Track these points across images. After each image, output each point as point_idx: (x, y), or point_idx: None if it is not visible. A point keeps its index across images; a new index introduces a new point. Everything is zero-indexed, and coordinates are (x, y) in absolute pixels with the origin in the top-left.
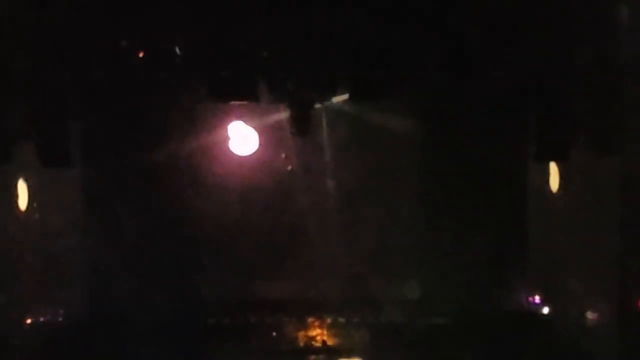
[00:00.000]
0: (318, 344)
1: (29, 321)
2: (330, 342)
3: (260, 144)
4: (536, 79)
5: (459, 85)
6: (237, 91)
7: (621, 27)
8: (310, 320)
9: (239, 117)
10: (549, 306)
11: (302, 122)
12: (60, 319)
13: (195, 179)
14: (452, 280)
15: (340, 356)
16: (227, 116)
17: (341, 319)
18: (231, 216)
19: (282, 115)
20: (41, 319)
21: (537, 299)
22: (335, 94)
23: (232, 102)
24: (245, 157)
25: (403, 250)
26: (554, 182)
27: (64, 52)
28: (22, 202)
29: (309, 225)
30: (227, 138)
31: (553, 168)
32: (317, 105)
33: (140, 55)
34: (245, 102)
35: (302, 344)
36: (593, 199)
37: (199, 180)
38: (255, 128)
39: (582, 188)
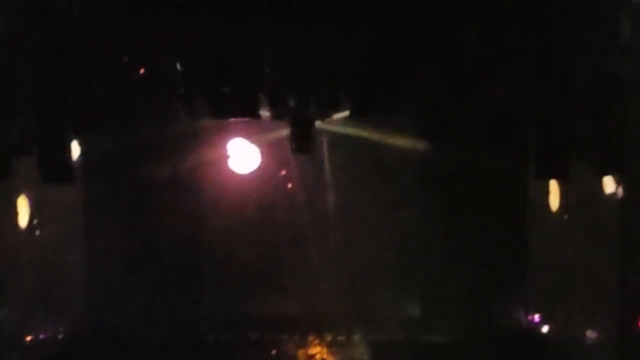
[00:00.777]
0: None
1: (28, 338)
2: None
3: (260, 162)
4: (536, 95)
5: (460, 102)
6: (238, 108)
7: (624, 43)
8: (310, 338)
9: (239, 134)
10: (548, 325)
11: (303, 139)
12: (60, 336)
13: (196, 195)
14: (452, 298)
15: None
16: (228, 133)
17: (341, 337)
18: (231, 233)
19: (282, 132)
20: (41, 336)
21: (536, 317)
22: (336, 111)
23: (232, 119)
24: (245, 174)
25: (403, 267)
26: (554, 200)
27: (64, 67)
28: (23, 218)
29: (309, 242)
30: (227, 155)
31: (553, 185)
32: (318, 123)
33: (141, 71)
34: (245, 119)
35: None
36: (594, 216)
37: (199, 196)
38: (255, 145)
39: (582, 205)
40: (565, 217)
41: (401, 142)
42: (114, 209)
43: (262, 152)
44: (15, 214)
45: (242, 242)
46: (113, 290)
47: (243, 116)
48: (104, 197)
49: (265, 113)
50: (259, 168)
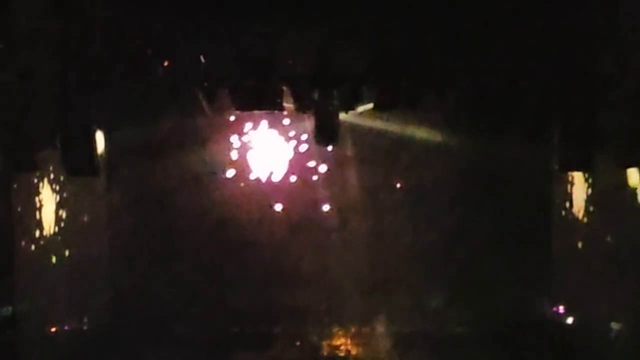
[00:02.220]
0: (342, 354)
1: (53, 329)
2: (354, 352)
3: (280, 156)
4: (560, 88)
5: (484, 94)
6: (262, 100)
7: None
8: (334, 329)
9: (260, 128)
10: (572, 316)
11: (327, 132)
12: (84, 328)
13: (220, 187)
14: (476, 289)
15: None
16: (249, 127)
17: (365, 329)
18: (256, 226)
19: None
20: (65, 328)
21: (561, 309)
22: (359, 102)
23: (257, 111)
24: (265, 169)
25: (428, 259)
26: (579, 191)
27: (89, 61)
28: (48, 210)
29: (333, 235)
30: (248, 149)
31: (578, 177)
32: (342, 114)
33: (165, 64)
34: (269, 111)
35: (326, 354)
36: (618, 208)
37: (223, 188)
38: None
39: (607, 197)
40: (590, 208)
41: (425, 134)
42: (138, 203)
43: (287, 147)
44: (40, 206)
45: (266, 234)
46: (137, 283)
47: (267, 109)
48: (128, 190)
49: (289, 105)
50: (279, 161)
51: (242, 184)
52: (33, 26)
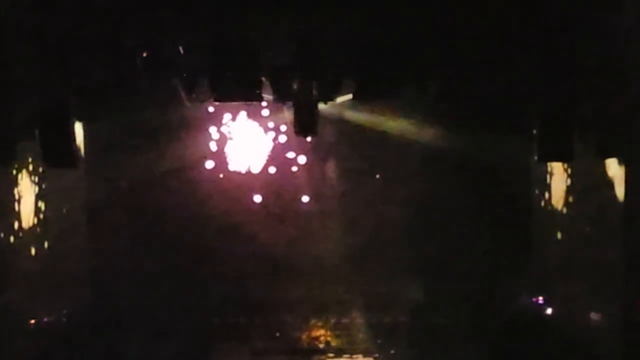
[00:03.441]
0: (322, 345)
1: (32, 322)
2: (334, 343)
3: (265, 147)
4: (540, 78)
5: (462, 85)
6: (241, 91)
7: (625, 28)
8: (314, 320)
9: (242, 119)
10: (552, 307)
11: (306, 123)
12: (64, 320)
13: (200, 181)
14: (456, 280)
15: (344, 357)
16: (231, 118)
17: (345, 320)
18: (236, 217)
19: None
20: (45, 320)
21: (540, 299)
22: (339, 93)
23: (236, 102)
24: (249, 159)
25: (407, 249)
26: (558, 182)
27: (67, 51)
28: (27, 201)
29: (314, 226)
30: (232, 140)
31: (557, 168)
32: (322, 105)
33: (144, 55)
34: (248, 102)
35: (306, 345)
36: (597, 200)
37: (204, 181)
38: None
39: (586, 187)
40: (570, 199)
41: (404, 125)
42: (119, 193)
43: (266, 138)
44: (19, 197)
45: (246, 225)
46: (118, 273)
47: (246, 99)
48: (108, 180)
49: (268, 96)
50: (263, 153)
51: (221, 175)
52: (9, 13)
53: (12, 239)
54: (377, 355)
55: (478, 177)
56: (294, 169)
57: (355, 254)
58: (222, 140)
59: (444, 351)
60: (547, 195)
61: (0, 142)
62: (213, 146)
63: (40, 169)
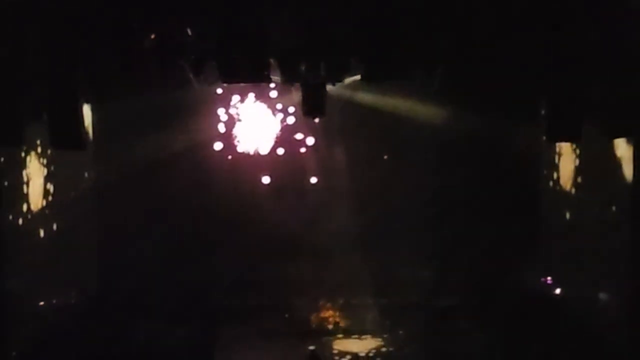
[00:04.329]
0: (331, 326)
1: (41, 303)
2: (342, 324)
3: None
4: (549, 59)
5: (471, 66)
6: (249, 72)
7: (636, 9)
8: (322, 302)
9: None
10: (560, 287)
11: (315, 104)
12: (72, 301)
13: (209, 163)
14: (465, 260)
15: (353, 337)
16: (240, 99)
17: (354, 301)
18: (246, 199)
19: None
20: (54, 301)
21: (549, 279)
22: (347, 74)
23: (244, 84)
24: (257, 141)
25: (416, 231)
26: (567, 164)
27: (76, 34)
28: (36, 184)
29: (322, 208)
30: (239, 122)
31: (565, 148)
32: (329, 86)
33: (152, 37)
34: (256, 84)
35: (314, 325)
36: (605, 180)
37: (213, 163)
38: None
39: (595, 170)
40: (578, 179)
41: (413, 105)
42: (125, 176)
43: (274, 119)
44: (28, 180)
45: (256, 207)
46: (127, 256)
47: (254, 81)
48: (115, 163)
49: (276, 77)
50: (272, 135)
51: (229, 157)
52: (18, 1)
53: (20, 221)
54: (385, 335)
55: (487, 158)
56: (302, 150)
57: (364, 235)
58: (231, 122)
59: (453, 332)
60: (555, 175)
61: (9, 125)
62: (222, 128)
63: (49, 152)
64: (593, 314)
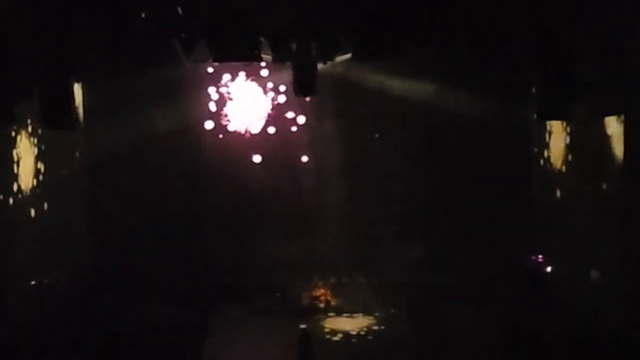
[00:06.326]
0: (322, 304)
1: (32, 282)
2: (334, 302)
3: (265, 109)
4: (540, 38)
5: (461, 45)
6: (240, 51)
7: None
8: (314, 280)
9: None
10: (551, 265)
11: (306, 82)
12: (64, 282)
13: (200, 141)
14: (455, 239)
15: (344, 316)
16: (231, 78)
17: (345, 279)
18: (238, 181)
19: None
20: (45, 281)
21: (540, 258)
22: (338, 53)
23: (235, 62)
24: (249, 122)
25: (407, 211)
26: (557, 142)
27: (66, 13)
28: (26, 163)
29: (313, 186)
30: (228, 99)
31: (556, 127)
32: (320, 65)
33: (143, 15)
34: (247, 63)
35: (306, 304)
36: (596, 158)
37: (204, 141)
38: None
39: (585, 148)
40: (569, 157)
41: (403, 84)
42: (117, 156)
43: (265, 98)
44: (18, 159)
45: (247, 188)
46: (118, 235)
47: (245, 59)
48: (106, 143)
49: (267, 56)
50: (263, 113)
51: (220, 136)
52: None
53: (11, 200)
54: (377, 314)
55: (478, 137)
56: (294, 128)
57: (355, 213)
58: (222, 101)
59: (443, 310)
60: (546, 153)
61: None
62: (212, 106)
63: (40, 131)
64: (584, 291)
